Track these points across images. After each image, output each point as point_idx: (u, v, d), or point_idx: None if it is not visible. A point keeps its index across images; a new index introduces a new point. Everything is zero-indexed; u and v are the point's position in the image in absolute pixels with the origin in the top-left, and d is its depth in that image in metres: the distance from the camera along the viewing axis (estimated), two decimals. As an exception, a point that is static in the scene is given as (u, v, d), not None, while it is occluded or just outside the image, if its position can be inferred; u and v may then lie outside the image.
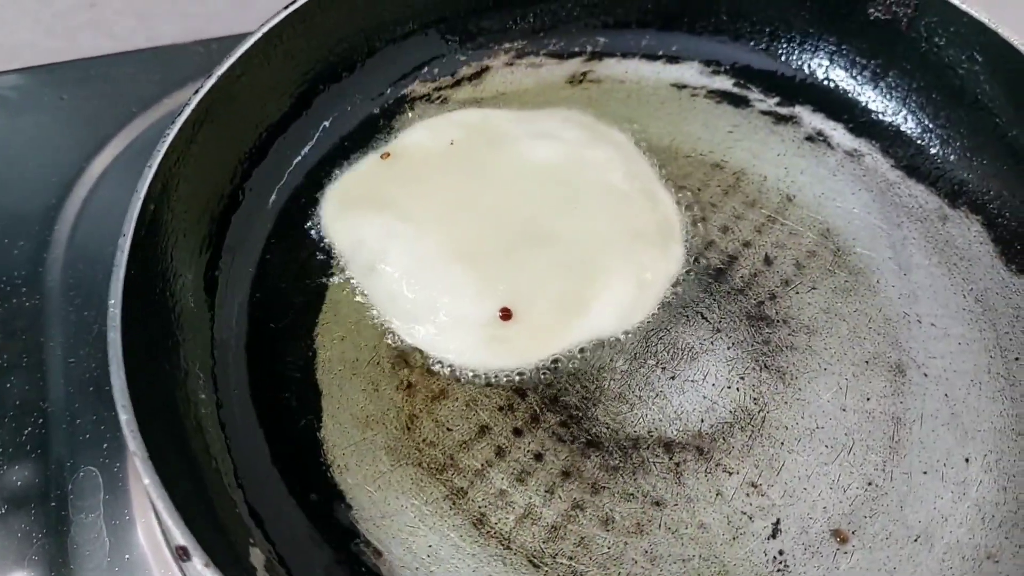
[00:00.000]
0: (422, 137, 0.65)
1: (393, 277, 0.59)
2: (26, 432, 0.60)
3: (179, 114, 0.53)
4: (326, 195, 0.63)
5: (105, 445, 0.59)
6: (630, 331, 0.59)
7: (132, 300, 0.48)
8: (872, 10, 0.66)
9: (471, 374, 0.56)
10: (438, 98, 0.68)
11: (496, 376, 0.56)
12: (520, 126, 0.65)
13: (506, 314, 0.57)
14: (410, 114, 0.67)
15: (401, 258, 0.59)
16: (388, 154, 0.64)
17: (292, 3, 0.59)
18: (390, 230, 0.60)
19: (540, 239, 0.60)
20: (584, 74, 0.71)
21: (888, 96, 0.68)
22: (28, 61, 0.88)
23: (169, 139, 0.52)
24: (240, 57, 0.56)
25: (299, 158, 0.64)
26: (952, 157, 0.65)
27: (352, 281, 0.60)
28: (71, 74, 0.77)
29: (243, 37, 0.78)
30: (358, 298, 0.59)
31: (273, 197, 0.62)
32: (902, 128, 0.67)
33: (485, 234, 0.60)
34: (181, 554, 0.40)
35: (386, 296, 0.59)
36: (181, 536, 0.40)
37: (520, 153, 0.64)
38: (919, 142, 0.67)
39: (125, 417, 0.43)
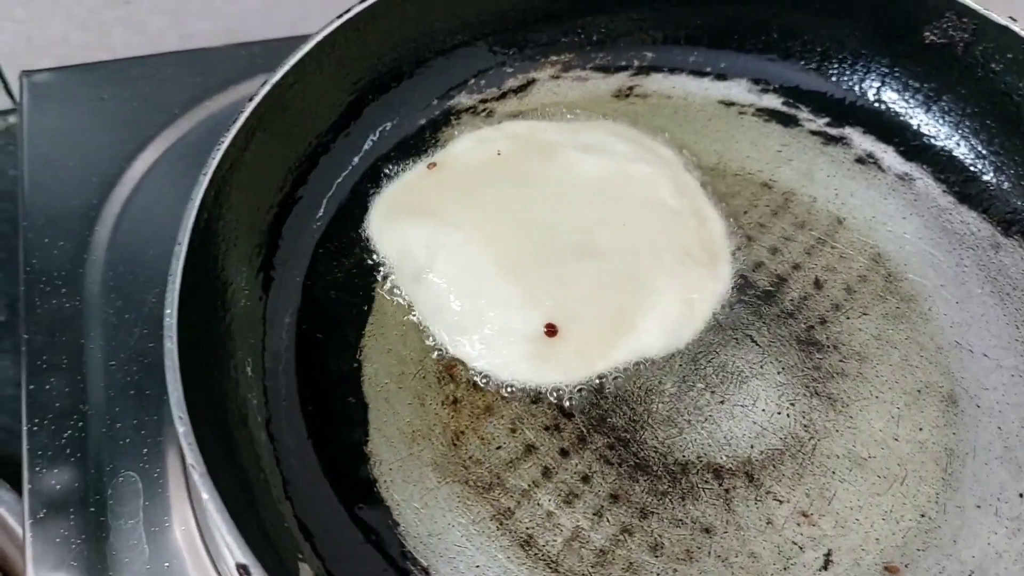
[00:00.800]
0: (469, 147, 0.65)
1: (440, 287, 0.58)
2: (66, 435, 0.59)
3: (234, 121, 0.53)
4: (374, 205, 0.62)
5: (145, 450, 0.59)
6: (678, 352, 0.58)
7: (186, 309, 0.47)
8: (928, 33, 0.65)
9: (517, 391, 0.56)
10: (483, 110, 0.68)
11: (542, 394, 0.56)
12: (567, 137, 0.65)
13: (551, 330, 0.56)
14: (456, 126, 0.67)
15: (447, 268, 0.58)
16: (434, 164, 0.64)
17: (346, 12, 0.59)
18: (437, 239, 0.59)
19: (586, 253, 0.59)
20: (631, 88, 0.70)
21: (941, 120, 0.67)
22: (60, 57, 0.88)
23: (224, 146, 0.52)
24: (294, 65, 0.56)
25: (347, 169, 0.63)
26: (1006, 185, 0.65)
27: (398, 292, 0.59)
28: (111, 74, 0.76)
29: (281, 40, 0.78)
30: (405, 309, 0.59)
31: (322, 207, 0.62)
32: (955, 153, 0.67)
33: (532, 246, 0.59)
34: (241, 572, 0.39)
35: (432, 307, 0.58)
36: (242, 554, 0.39)
37: (568, 165, 0.63)
38: (972, 168, 0.66)
39: (183, 429, 0.42)
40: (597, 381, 0.56)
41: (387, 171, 0.64)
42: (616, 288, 0.58)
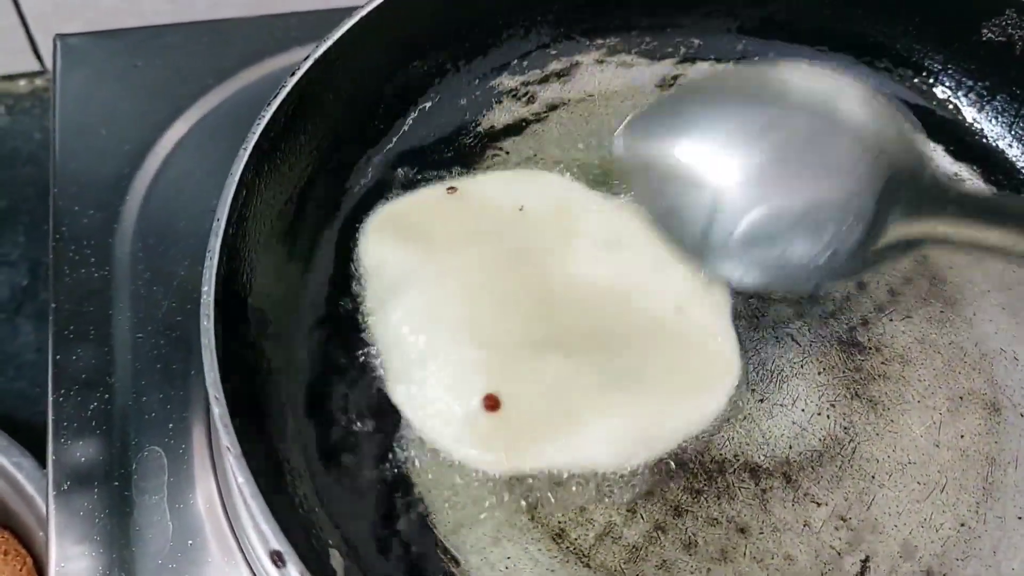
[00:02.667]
0: (497, 187, 0.60)
1: (398, 319, 0.54)
2: (91, 407, 0.59)
3: (275, 96, 0.52)
4: (376, 211, 0.59)
5: (171, 425, 0.58)
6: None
7: (222, 288, 0.46)
8: (986, 30, 0.63)
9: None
10: (525, 94, 0.66)
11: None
12: (594, 222, 0.59)
13: (491, 403, 0.51)
14: (497, 109, 0.65)
15: (414, 304, 0.54)
16: (455, 189, 0.60)
17: (390, -14, 0.57)
18: (416, 270, 0.55)
19: (564, 347, 0.54)
20: (675, 77, 0.68)
21: (994, 120, 0.66)
22: (89, 21, 0.88)
23: (265, 120, 0.50)
24: (337, 40, 0.54)
25: (383, 151, 0.62)
26: (1056, 190, 0.63)
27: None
28: (145, 41, 0.75)
29: (316, 13, 0.77)
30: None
31: (358, 187, 0.60)
32: (1007, 154, 0.65)
33: (512, 318, 0.54)
34: (276, 559, 0.38)
35: (386, 337, 0.54)
36: (277, 541, 0.38)
37: (582, 257, 0.58)
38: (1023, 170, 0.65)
39: (219, 410, 0.42)
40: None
41: (422, 155, 0.62)
42: (579, 389, 0.53)
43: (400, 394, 0.52)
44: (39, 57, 0.97)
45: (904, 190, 0.55)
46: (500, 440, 0.51)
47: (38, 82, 1.00)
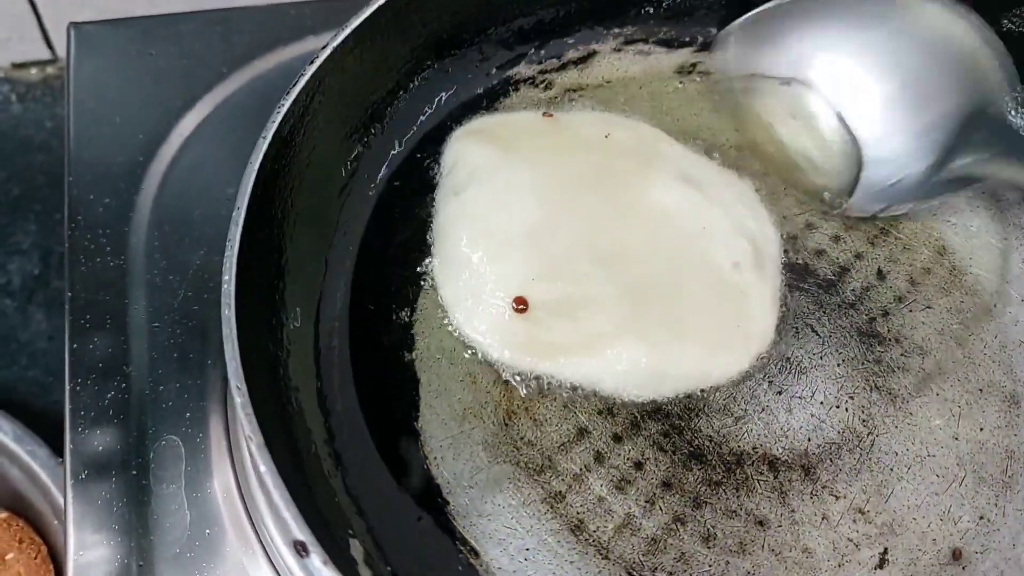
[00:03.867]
0: (588, 119, 0.63)
1: (457, 211, 0.57)
2: (108, 396, 0.59)
3: (293, 84, 0.51)
4: (468, 121, 0.62)
5: (188, 414, 0.58)
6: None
7: (242, 277, 0.46)
8: (1006, 21, 0.62)
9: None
10: (543, 82, 0.66)
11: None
12: (679, 158, 0.61)
13: (520, 305, 0.53)
14: (514, 96, 0.65)
15: (477, 197, 0.56)
16: (551, 115, 0.62)
17: (408, -24, 0.57)
18: (488, 167, 0.58)
19: (611, 266, 0.56)
20: (693, 65, 0.68)
21: (1013, 112, 0.65)
22: (101, 9, 0.87)
23: (283, 109, 0.50)
24: (355, 29, 0.54)
25: (405, 138, 0.61)
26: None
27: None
28: (159, 28, 0.75)
29: (329, 2, 0.76)
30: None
31: (379, 176, 0.60)
32: (1026, 146, 0.64)
33: (567, 231, 0.56)
34: (299, 549, 0.38)
35: (442, 227, 0.57)
36: (299, 531, 0.38)
37: (656, 190, 0.59)
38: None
39: (240, 400, 0.42)
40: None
41: (440, 143, 0.62)
42: (611, 311, 0.54)
43: (447, 289, 0.55)
44: (50, 46, 0.97)
45: (985, 121, 0.57)
46: (522, 339, 0.53)
47: (49, 70, 1.00)
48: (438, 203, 0.58)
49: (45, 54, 0.98)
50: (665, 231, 0.57)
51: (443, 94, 0.63)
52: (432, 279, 0.57)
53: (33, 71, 1.00)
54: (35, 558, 0.71)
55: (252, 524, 0.55)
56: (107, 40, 0.73)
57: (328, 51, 0.53)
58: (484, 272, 0.54)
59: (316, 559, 0.38)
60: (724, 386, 0.55)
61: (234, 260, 0.45)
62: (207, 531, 0.55)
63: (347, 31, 0.54)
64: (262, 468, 0.40)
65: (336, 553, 0.41)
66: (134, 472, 0.56)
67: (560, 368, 0.53)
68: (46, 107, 0.99)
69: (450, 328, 0.55)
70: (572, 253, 0.55)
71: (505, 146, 0.59)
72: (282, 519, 0.39)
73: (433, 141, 0.62)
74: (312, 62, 0.52)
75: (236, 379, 0.42)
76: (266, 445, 0.40)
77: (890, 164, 0.58)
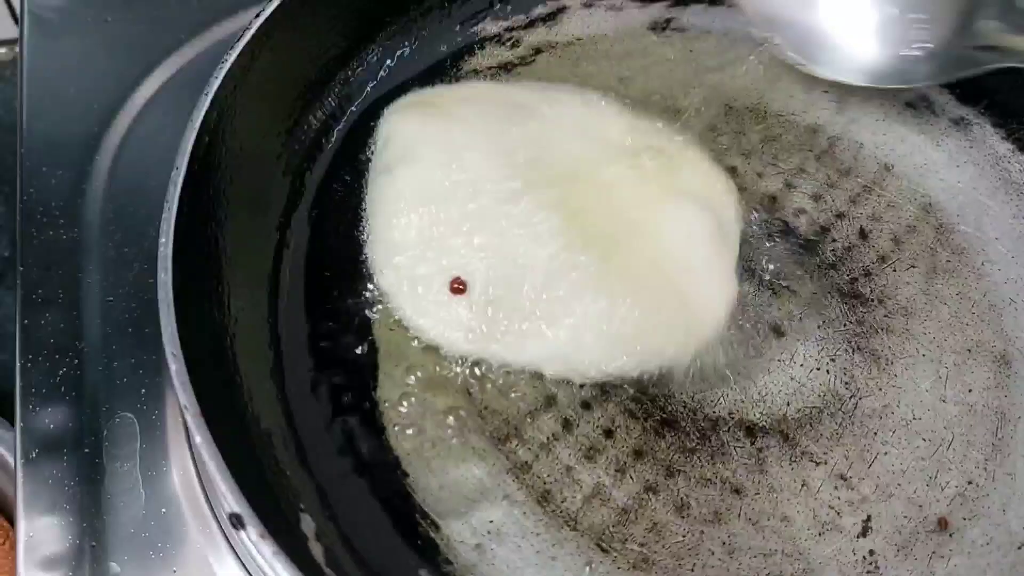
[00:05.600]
0: (531, 93, 0.59)
1: (388, 192, 0.54)
2: (60, 372, 0.57)
3: (238, 39, 0.49)
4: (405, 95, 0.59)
5: (143, 391, 0.56)
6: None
7: (182, 240, 0.44)
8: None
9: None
10: (509, 39, 0.63)
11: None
12: (628, 127, 0.58)
13: (457, 286, 0.51)
14: (479, 55, 0.62)
15: (408, 175, 0.54)
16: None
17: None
18: (426, 139, 0.55)
19: (554, 243, 0.52)
20: (668, 21, 0.65)
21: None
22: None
23: (227, 64, 0.48)
24: (305, -18, 0.52)
25: (361, 96, 0.59)
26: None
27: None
28: (117, -4, 0.72)
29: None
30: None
31: (333, 137, 0.58)
32: (1017, 97, 0.62)
33: (513, 203, 0.53)
34: (235, 522, 0.36)
35: (375, 207, 0.54)
36: (236, 503, 0.36)
37: (607, 159, 0.56)
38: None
39: (175, 367, 0.39)
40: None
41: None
42: (558, 288, 0.51)
43: (388, 279, 0.52)
44: (20, 24, 0.94)
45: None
46: (462, 322, 0.50)
47: (19, 49, 0.97)
48: (371, 181, 0.55)
49: (13, 33, 0.96)
50: (612, 203, 0.54)
51: (404, 49, 0.60)
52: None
53: (2, 51, 0.97)
54: (3, 544, 0.69)
55: (209, 503, 0.52)
56: (62, 7, 0.71)
57: (275, 3, 0.50)
58: (417, 254, 0.52)
59: (252, 532, 0.36)
60: (697, 352, 0.52)
61: (171, 223, 0.43)
62: (163, 510, 0.53)
63: (297, -17, 0.51)
64: (197, 439, 0.37)
65: (282, 527, 0.39)
66: (87, 450, 0.54)
67: (504, 351, 0.51)
68: (15, 87, 0.96)
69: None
70: (512, 230, 0.52)
71: (440, 120, 0.56)
72: (219, 492, 0.37)
73: (391, 99, 0.59)
74: (258, 15, 0.50)
75: (171, 345, 0.40)
76: (203, 415, 0.38)
77: (921, 24, 0.58)
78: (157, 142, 0.65)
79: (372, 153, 0.57)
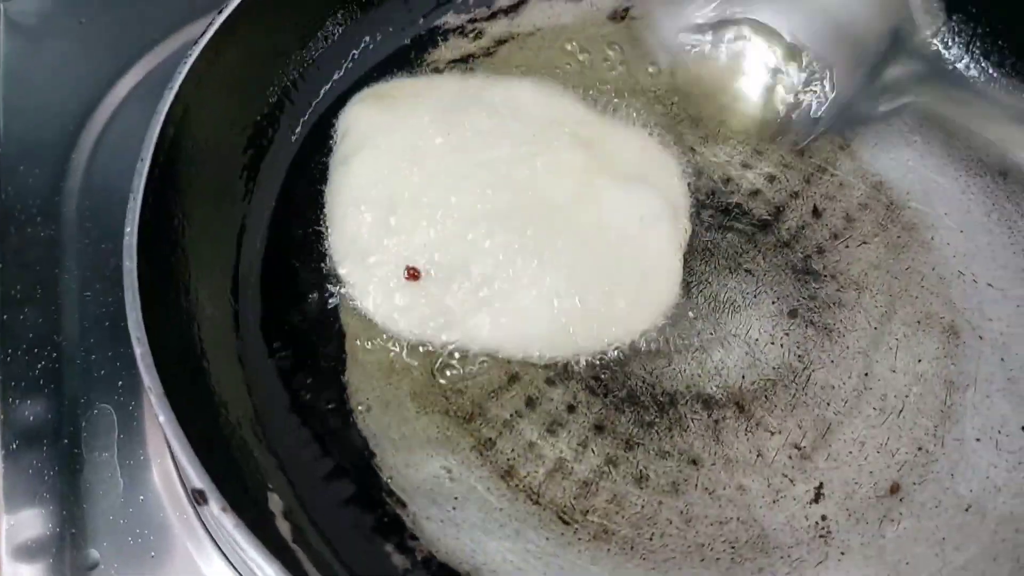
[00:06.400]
0: (487, 84, 0.61)
1: (347, 181, 0.56)
2: (39, 366, 0.58)
3: (202, 34, 0.50)
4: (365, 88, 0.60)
5: (120, 383, 0.57)
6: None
7: (149, 230, 0.45)
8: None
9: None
10: (472, 31, 0.65)
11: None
12: (583, 119, 0.60)
13: (412, 274, 0.53)
14: (443, 47, 0.64)
15: (365, 165, 0.55)
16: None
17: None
18: (382, 130, 0.56)
19: (507, 229, 0.54)
20: (626, 10, 0.67)
21: (950, 40, 0.64)
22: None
23: (191, 60, 0.49)
24: (266, -22, 0.53)
25: (324, 89, 0.60)
26: (1018, 108, 0.61)
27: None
28: (90, -4, 0.74)
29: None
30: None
31: (298, 129, 0.59)
32: (964, 76, 0.63)
33: (464, 195, 0.55)
34: (197, 497, 0.37)
35: (336, 197, 0.56)
36: (198, 478, 0.38)
37: (560, 147, 0.58)
38: (981, 92, 0.63)
39: (140, 350, 0.41)
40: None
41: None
42: (511, 273, 0.53)
43: (346, 268, 0.54)
44: None
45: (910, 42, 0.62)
46: (418, 308, 0.52)
47: None
48: (330, 172, 0.57)
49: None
50: (564, 189, 0.55)
51: (366, 43, 0.62)
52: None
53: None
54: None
55: (185, 490, 0.54)
56: (35, 11, 0.72)
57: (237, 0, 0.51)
58: (373, 243, 0.53)
59: (214, 506, 0.37)
60: (657, 327, 0.54)
61: (137, 212, 0.44)
62: (141, 498, 0.54)
63: (258, -21, 0.53)
64: (161, 417, 0.39)
65: (248, 504, 0.40)
66: (66, 441, 0.56)
67: (461, 335, 0.52)
68: (-4, 90, 0.97)
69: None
70: (466, 217, 0.54)
71: (397, 111, 0.57)
72: (184, 471, 0.39)
73: (356, 91, 0.60)
74: (220, 11, 0.51)
75: (136, 330, 0.41)
76: (167, 396, 0.40)
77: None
78: (132, 140, 0.66)
79: (334, 144, 0.58)
